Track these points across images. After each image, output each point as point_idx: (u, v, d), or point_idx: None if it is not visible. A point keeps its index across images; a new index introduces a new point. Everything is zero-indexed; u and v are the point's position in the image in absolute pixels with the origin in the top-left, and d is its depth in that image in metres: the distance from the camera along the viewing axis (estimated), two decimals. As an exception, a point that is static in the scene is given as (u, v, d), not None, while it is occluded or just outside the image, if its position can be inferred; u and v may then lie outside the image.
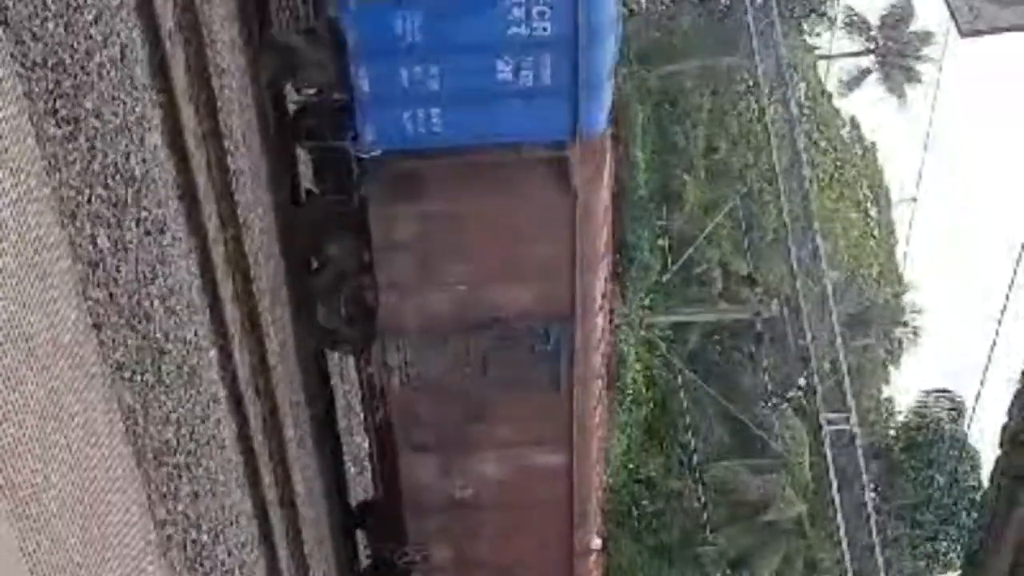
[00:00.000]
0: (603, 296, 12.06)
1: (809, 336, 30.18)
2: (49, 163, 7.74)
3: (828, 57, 39.94)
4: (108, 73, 8.47)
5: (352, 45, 10.24)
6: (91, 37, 8.21)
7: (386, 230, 11.51)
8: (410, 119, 10.59)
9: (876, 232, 42.96)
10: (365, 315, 12.39)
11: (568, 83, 10.43)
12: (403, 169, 11.17)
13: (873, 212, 43.18)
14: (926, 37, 37.63)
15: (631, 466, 34.54)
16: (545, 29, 10.05)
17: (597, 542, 14.08)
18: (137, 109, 8.99)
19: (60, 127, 7.86)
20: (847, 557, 28.52)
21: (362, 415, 14.59)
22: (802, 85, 39.03)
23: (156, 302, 9.34)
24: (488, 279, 11.87)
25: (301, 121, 12.09)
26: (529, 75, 10.34)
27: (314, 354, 14.00)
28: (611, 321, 12.98)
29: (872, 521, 28.67)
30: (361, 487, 16.53)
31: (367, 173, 11.23)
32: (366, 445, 15.21)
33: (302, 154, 12.74)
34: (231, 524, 11.17)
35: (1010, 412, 6.71)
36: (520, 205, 11.49)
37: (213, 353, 10.78)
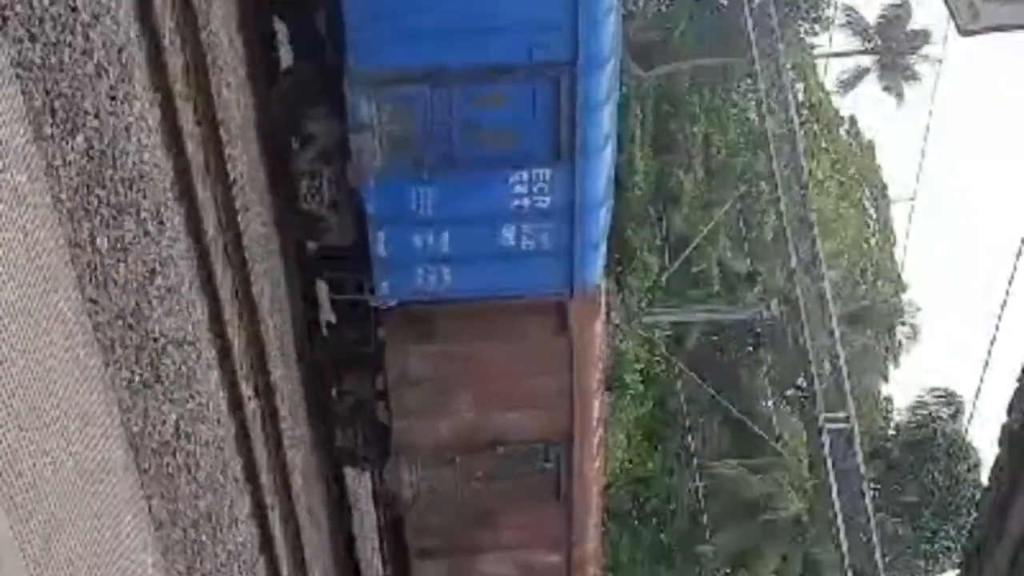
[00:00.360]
0: (598, 418, 13.40)
1: (808, 335, 30.19)
2: (47, 163, 7.74)
3: (826, 56, 39.94)
4: (106, 74, 8.47)
5: (371, 215, 11.41)
6: (89, 38, 8.20)
7: (401, 368, 12.68)
8: (422, 276, 11.80)
9: (875, 231, 42.98)
10: (380, 435, 13.47)
11: (566, 247, 11.69)
12: (416, 314, 12.31)
13: (872, 211, 43.19)
14: (924, 36, 37.62)
15: (630, 465, 34.55)
16: (544, 201, 11.32)
17: None
18: (135, 110, 8.98)
19: (58, 127, 7.86)
20: (846, 556, 28.52)
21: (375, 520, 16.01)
22: (800, 84, 39.02)
23: (155, 302, 9.34)
24: (494, 408, 13.14)
25: (321, 261, 13.35)
26: (531, 240, 11.64)
27: (312, 355, 14.15)
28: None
29: (871, 520, 28.67)
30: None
31: (383, 318, 12.40)
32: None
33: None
34: (231, 525, 11.17)
35: (1010, 408, 6.70)
36: (523, 347, 12.77)
37: (212, 353, 10.78)
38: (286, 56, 12.62)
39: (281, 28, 12.49)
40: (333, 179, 11.58)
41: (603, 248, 12.12)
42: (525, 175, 11.22)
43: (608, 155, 11.44)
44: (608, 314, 13.09)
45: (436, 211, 11.36)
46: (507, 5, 10.44)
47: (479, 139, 11.02)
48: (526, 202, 11.35)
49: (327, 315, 13.95)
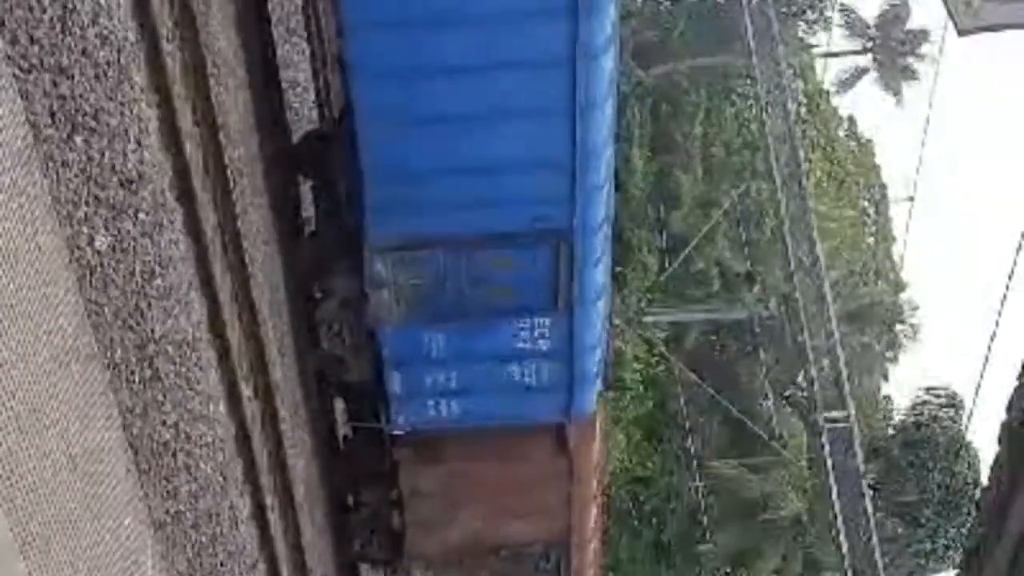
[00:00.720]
0: (595, 524, 14.71)
1: (807, 334, 30.18)
2: (47, 165, 7.74)
3: (825, 56, 39.94)
4: (105, 75, 8.46)
5: (387, 357, 12.62)
6: (87, 39, 8.20)
7: (413, 485, 13.95)
8: (433, 408, 13.02)
9: (874, 230, 42.99)
10: (394, 541, 14.68)
11: (565, 382, 12.96)
12: (427, 437, 13.52)
13: (871, 210, 43.21)
14: (923, 35, 37.62)
15: (630, 465, 34.55)
16: (545, 344, 12.59)
17: None
18: (134, 110, 8.98)
19: (57, 129, 7.86)
20: (846, 555, 28.53)
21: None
22: (799, 84, 39.01)
23: (154, 303, 9.34)
24: (499, 518, 14.30)
25: (341, 390, 14.68)
26: (532, 377, 12.87)
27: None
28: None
29: (871, 519, 28.67)
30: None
31: (397, 441, 13.67)
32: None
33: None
34: (231, 526, 11.17)
35: (1009, 406, 6.71)
36: (526, 466, 14.02)
37: (211, 354, 10.78)
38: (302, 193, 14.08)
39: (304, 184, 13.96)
40: (352, 325, 12.84)
41: (599, 378, 13.40)
42: (527, 322, 12.50)
43: (603, 303, 12.78)
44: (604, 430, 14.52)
45: (446, 353, 12.63)
46: (514, 183, 11.62)
47: (485, 293, 12.26)
48: (528, 345, 12.62)
49: (344, 429, 15.41)
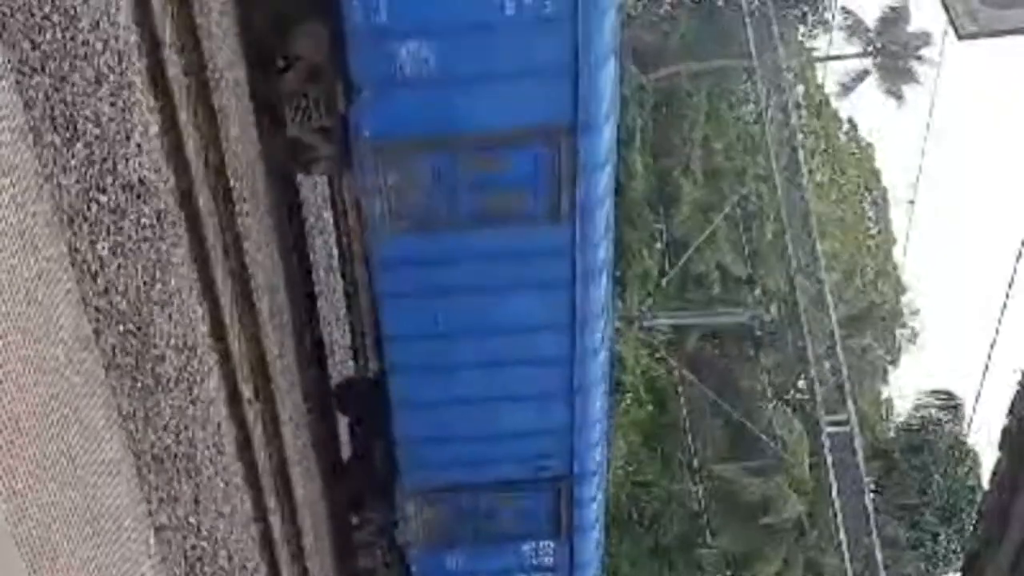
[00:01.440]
0: None
1: (808, 337, 30.19)
2: (48, 170, 7.74)
3: (825, 59, 39.93)
4: (106, 80, 8.47)
5: (415, 571, 14.86)
6: (88, 44, 8.21)
7: None
8: None
9: (874, 233, 43.01)
10: None
11: None
12: None
13: (871, 213, 43.24)
14: (924, 37, 37.58)
15: (630, 468, 34.52)
16: (550, 559, 14.91)
17: None
18: (135, 115, 8.99)
19: (58, 134, 7.86)
20: (847, 558, 28.51)
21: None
22: (800, 87, 39.01)
23: (155, 308, 9.34)
24: None
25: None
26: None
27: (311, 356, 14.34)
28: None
29: (872, 522, 28.66)
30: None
31: None
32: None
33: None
34: (231, 530, 11.17)
35: (1010, 411, 6.71)
36: None
37: (213, 358, 10.78)
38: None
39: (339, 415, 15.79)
40: (386, 546, 15.02)
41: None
42: (533, 544, 14.92)
43: (597, 532, 15.12)
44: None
45: (464, 568, 14.96)
46: (522, 444, 13.93)
47: (498, 523, 14.72)
48: (534, 560, 15.05)
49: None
